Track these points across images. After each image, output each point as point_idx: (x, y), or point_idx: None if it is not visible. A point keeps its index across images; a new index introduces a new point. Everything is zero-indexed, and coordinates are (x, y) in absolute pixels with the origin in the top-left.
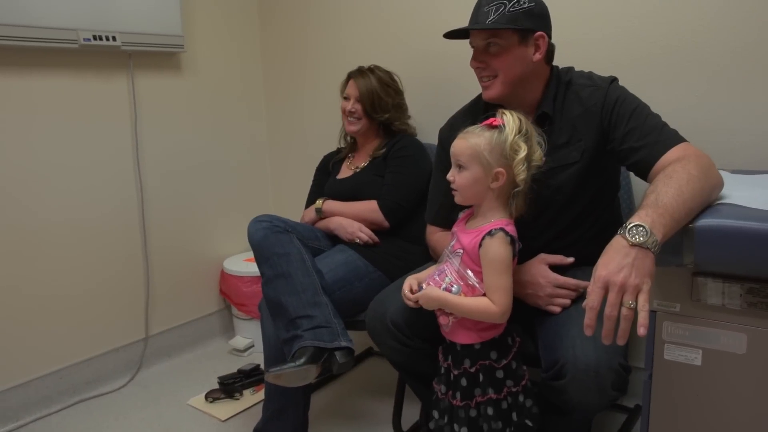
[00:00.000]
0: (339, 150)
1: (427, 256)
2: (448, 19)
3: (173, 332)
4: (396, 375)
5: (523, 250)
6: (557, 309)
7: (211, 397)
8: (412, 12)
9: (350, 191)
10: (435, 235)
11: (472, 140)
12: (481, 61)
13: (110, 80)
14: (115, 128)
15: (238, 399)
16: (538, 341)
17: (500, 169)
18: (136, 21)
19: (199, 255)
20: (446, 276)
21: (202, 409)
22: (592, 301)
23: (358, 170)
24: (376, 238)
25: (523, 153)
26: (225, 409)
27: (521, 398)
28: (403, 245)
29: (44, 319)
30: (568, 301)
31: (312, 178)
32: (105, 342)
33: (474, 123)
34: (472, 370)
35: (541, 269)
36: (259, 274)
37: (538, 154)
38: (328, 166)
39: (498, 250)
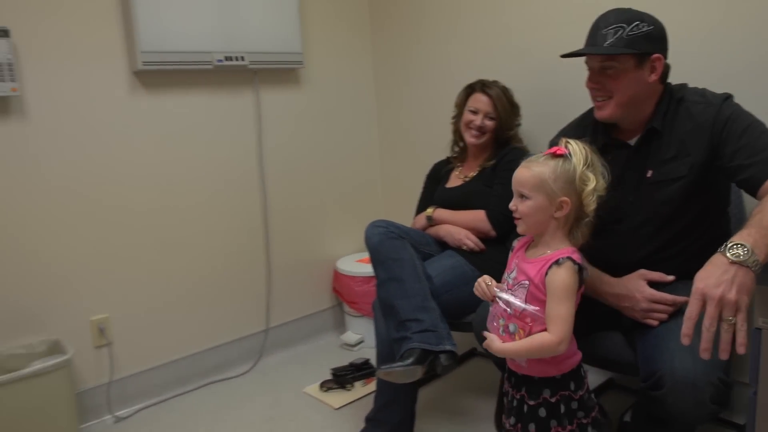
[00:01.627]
0: (449, 159)
1: None
2: (563, 30)
3: (290, 325)
4: (498, 374)
5: (625, 261)
6: (654, 323)
7: (325, 386)
8: (524, 23)
9: (459, 200)
10: None
11: (536, 169)
12: (596, 82)
13: (239, 95)
14: (242, 138)
15: (349, 389)
16: (637, 351)
17: (565, 198)
18: (261, 42)
19: (315, 255)
20: (506, 309)
21: (317, 396)
22: (690, 312)
23: (467, 179)
24: (482, 245)
25: (592, 184)
26: (338, 398)
27: (590, 430)
28: (509, 253)
29: (182, 310)
30: (664, 316)
31: (422, 184)
32: (231, 332)
33: (583, 136)
34: (553, 400)
35: (639, 284)
36: (370, 274)
37: (602, 184)
38: (438, 174)
39: (564, 277)
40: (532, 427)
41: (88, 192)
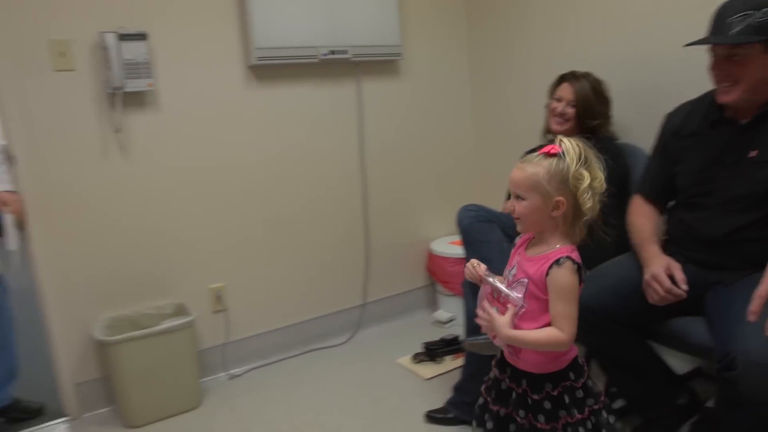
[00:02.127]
0: (540, 146)
1: (619, 248)
2: (661, 20)
3: (385, 301)
4: (582, 351)
5: (708, 235)
6: (652, 297)
7: (417, 358)
8: (621, 12)
9: None
10: (642, 207)
11: (530, 170)
12: (722, 69)
13: (341, 86)
14: (344, 126)
15: (439, 363)
16: (713, 333)
17: (560, 198)
18: (363, 36)
19: (410, 237)
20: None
21: (409, 367)
22: (761, 290)
23: None
24: None
25: (586, 182)
26: (428, 369)
27: (605, 414)
28: (597, 237)
29: (289, 283)
30: (656, 296)
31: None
32: (332, 305)
33: (697, 116)
34: (555, 393)
35: (657, 263)
36: (462, 256)
37: (599, 181)
38: None
39: (566, 279)
40: (541, 418)
41: (209, 174)
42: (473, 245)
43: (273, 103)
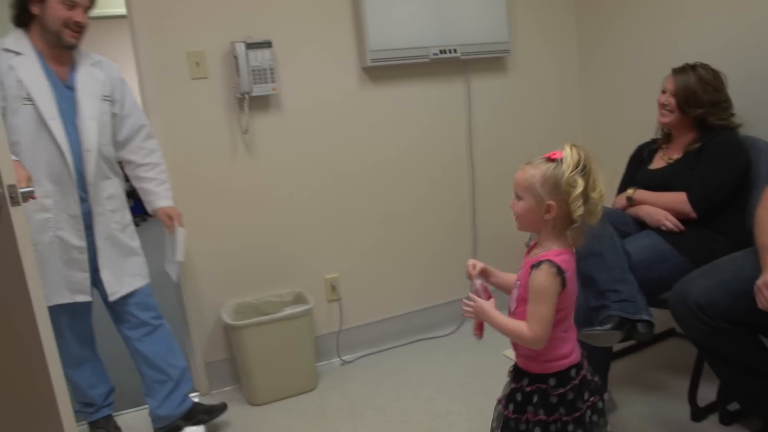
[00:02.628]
0: (654, 140)
1: (730, 245)
2: None
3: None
4: (695, 354)
5: None
6: None
7: None
8: (743, 3)
9: (662, 182)
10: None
11: (529, 172)
12: None
13: (451, 84)
14: (453, 122)
15: None
16: None
17: (551, 202)
18: (471, 34)
19: (516, 230)
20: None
21: (513, 358)
22: None
23: (671, 162)
24: (681, 227)
25: (579, 189)
26: None
27: (571, 428)
28: (710, 234)
29: (399, 275)
30: None
31: (623, 166)
32: (440, 296)
33: None
34: (528, 389)
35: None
36: None
37: (598, 191)
38: (642, 154)
39: (540, 280)
40: (511, 407)
41: (326, 171)
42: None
43: (386, 102)
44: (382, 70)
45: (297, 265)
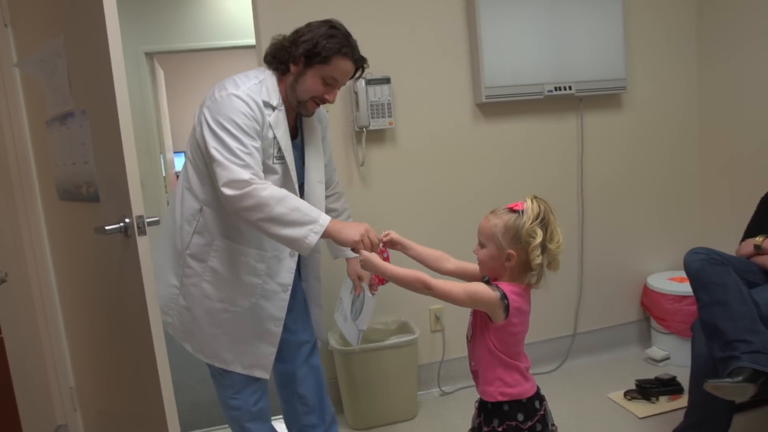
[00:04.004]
0: None
1: None
2: None
3: (597, 333)
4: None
5: None
6: None
7: (629, 395)
8: None
9: None
10: None
11: (492, 221)
12: None
13: (564, 120)
14: (565, 158)
15: (654, 402)
16: None
17: (512, 251)
18: (587, 71)
19: (626, 268)
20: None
21: (621, 403)
22: None
23: None
24: None
25: (538, 240)
26: (642, 408)
27: None
28: None
29: None
30: None
31: (746, 210)
32: (543, 332)
33: None
34: (500, 429)
35: None
36: (682, 293)
37: (556, 242)
38: None
39: (478, 285)
40: None
41: (437, 204)
42: (706, 288)
43: (499, 138)
44: (496, 106)
45: (403, 294)
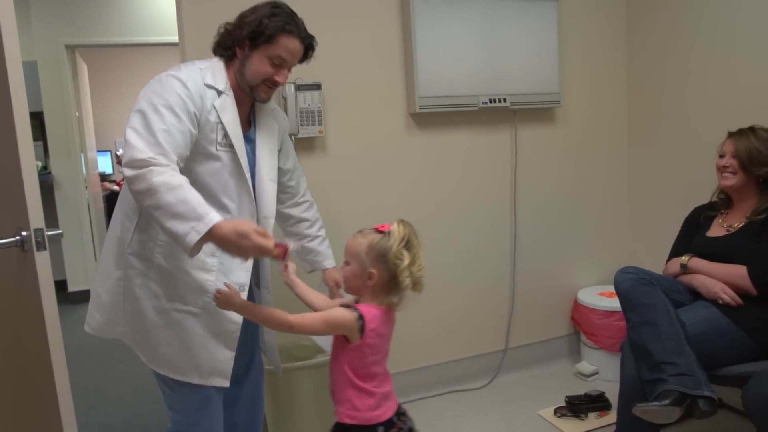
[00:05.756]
0: (712, 204)
1: None
2: None
3: (527, 348)
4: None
5: None
6: None
7: (559, 412)
8: None
9: (721, 252)
10: None
11: (358, 240)
12: None
13: (498, 133)
14: (499, 171)
15: (583, 419)
16: None
17: (373, 270)
18: (522, 84)
19: (557, 284)
20: None
21: (551, 421)
22: None
23: (731, 230)
24: (739, 300)
25: (406, 262)
26: (572, 425)
27: None
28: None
29: (434, 323)
30: None
31: (671, 227)
32: (474, 347)
33: None
34: None
35: None
36: (611, 308)
37: (418, 266)
38: (698, 218)
39: (336, 311)
40: None
41: (368, 214)
42: (636, 308)
43: (432, 148)
44: (430, 117)
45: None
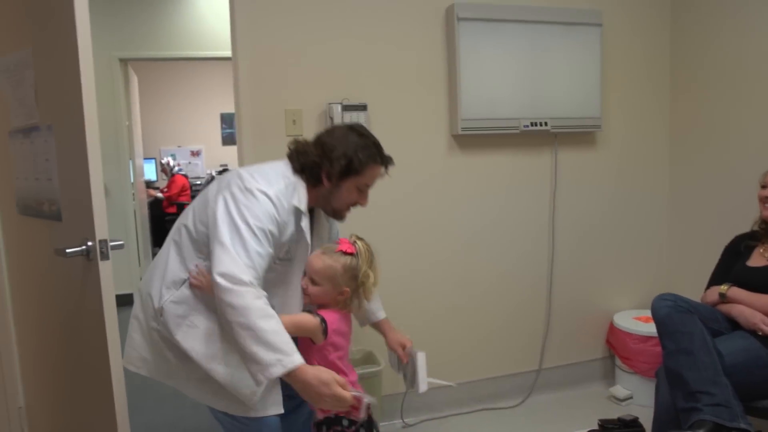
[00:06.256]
0: (753, 233)
1: None
2: None
3: (561, 369)
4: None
5: None
6: None
7: None
8: None
9: (761, 282)
10: None
11: (327, 262)
12: None
13: (538, 156)
14: (538, 193)
15: None
16: None
17: (347, 288)
18: (563, 108)
19: (593, 307)
20: None
21: None
22: None
23: None
24: None
25: (371, 280)
26: None
27: None
28: None
29: (469, 340)
30: None
31: (711, 255)
32: (508, 366)
33: None
34: None
35: None
36: (647, 334)
37: (374, 279)
38: (738, 247)
39: (303, 315)
40: None
41: (406, 233)
42: (672, 336)
43: (472, 170)
44: (472, 139)
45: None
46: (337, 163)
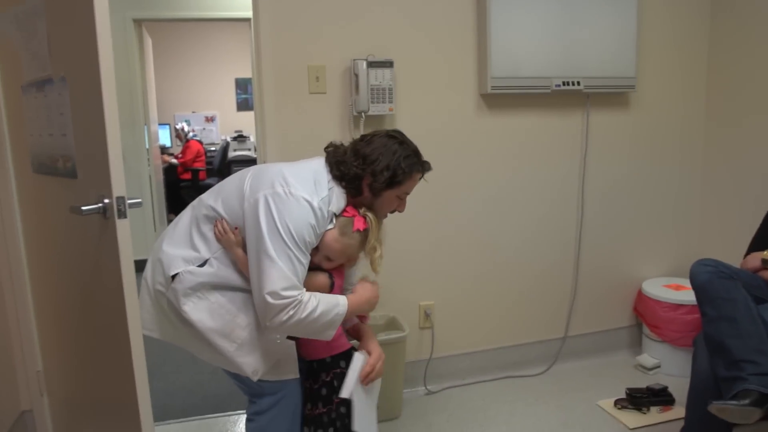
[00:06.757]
0: None
1: None
2: None
3: (587, 337)
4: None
5: None
6: None
7: (619, 404)
8: None
9: None
10: None
11: (347, 242)
12: None
13: (570, 117)
14: (569, 156)
15: (644, 413)
16: None
17: (357, 256)
18: (596, 67)
19: (621, 274)
20: None
21: (611, 412)
22: None
23: None
24: None
25: (379, 252)
26: (633, 418)
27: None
28: None
29: (493, 307)
30: None
31: (746, 220)
32: (532, 333)
33: None
34: (328, 378)
35: None
36: (677, 301)
37: (380, 252)
38: None
39: (319, 274)
40: (320, 404)
41: (433, 197)
42: (713, 302)
43: (501, 131)
44: (501, 98)
45: (393, 290)
46: (381, 176)
